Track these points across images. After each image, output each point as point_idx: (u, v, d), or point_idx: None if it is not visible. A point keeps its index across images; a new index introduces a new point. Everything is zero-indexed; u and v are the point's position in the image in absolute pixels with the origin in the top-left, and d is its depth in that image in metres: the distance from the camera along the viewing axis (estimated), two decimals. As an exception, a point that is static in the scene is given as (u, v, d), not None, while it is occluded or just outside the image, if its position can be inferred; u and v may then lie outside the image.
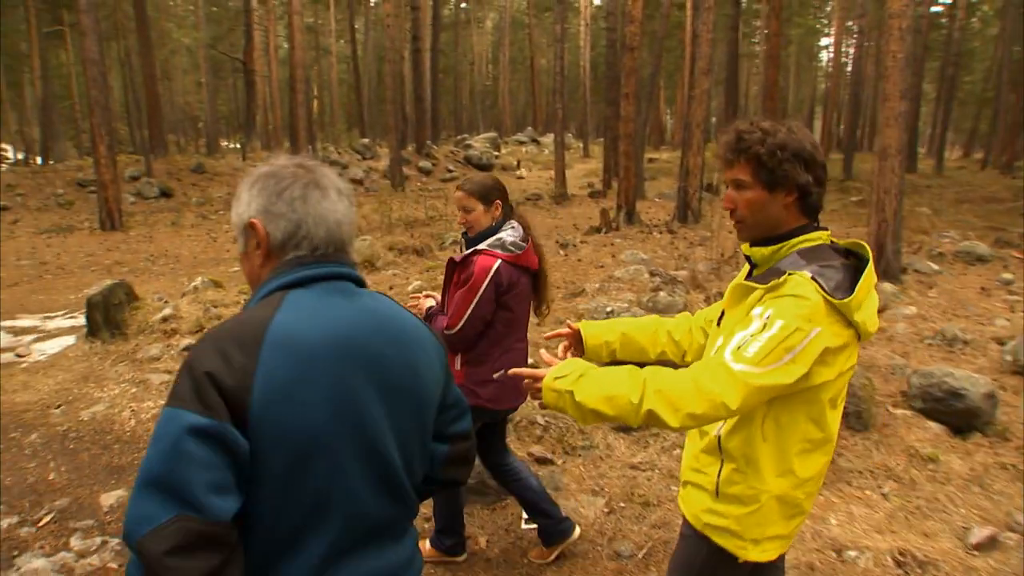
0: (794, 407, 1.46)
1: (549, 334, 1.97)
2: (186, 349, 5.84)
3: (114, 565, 3.13)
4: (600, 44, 32.43)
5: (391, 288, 7.72)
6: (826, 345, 1.38)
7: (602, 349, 1.86)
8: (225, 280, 8.47)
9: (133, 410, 4.76)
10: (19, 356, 6.36)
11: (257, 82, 30.27)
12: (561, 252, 10.37)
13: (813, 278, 1.39)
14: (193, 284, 7.71)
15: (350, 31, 32.95)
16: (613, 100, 17.96)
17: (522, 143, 35.60)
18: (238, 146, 29.24)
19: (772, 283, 1.43)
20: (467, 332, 2.58)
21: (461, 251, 2.75)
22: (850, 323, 1.41)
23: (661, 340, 1.86)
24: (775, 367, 1.35)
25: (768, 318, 1.38)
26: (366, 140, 28.63)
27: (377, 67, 37.84)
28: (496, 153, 28.46)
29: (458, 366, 2.69)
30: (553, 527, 3.00)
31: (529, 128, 40.55)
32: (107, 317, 6.31)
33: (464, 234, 2.78)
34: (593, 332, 1.87)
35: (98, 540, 3.32)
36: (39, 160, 27.79)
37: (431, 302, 2.83)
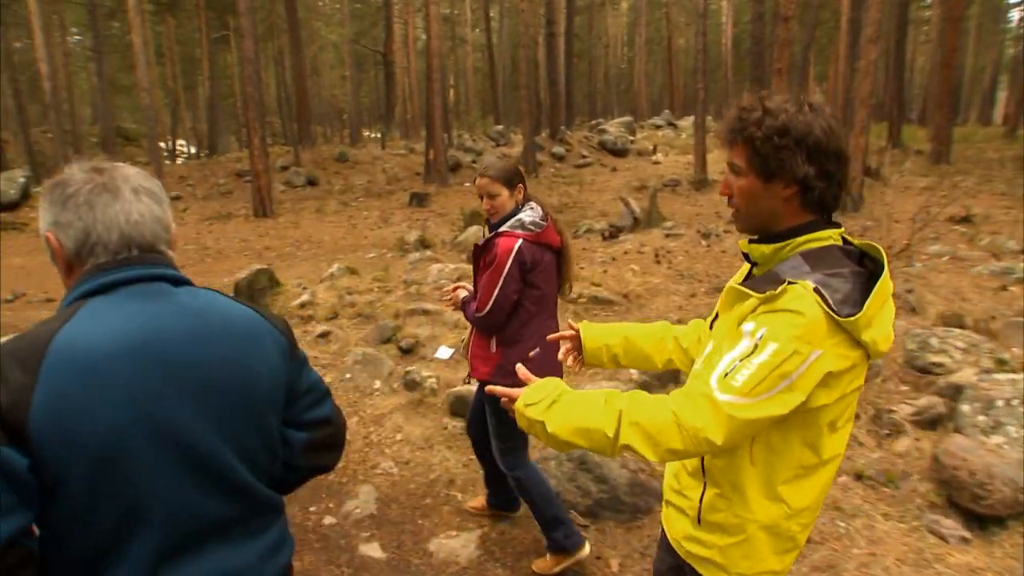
0: (788, 429, 1.30)
1: (551, 336, 1.88)
2: (321, 335, 6.00)
3: (242, 551, 3.16)
4: (743, 20, 30.54)
5: (570, 321, 7.52)
6: (828, 369, 1.20)
7: (602, 353, 1.75)
8: (361, 267, 8.70)
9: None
10: (177, 335, 6.85)
11: (396, 73, 31.50)
12: (703, 243, 9.74)
13: (816, 289, 1.20)
14: (330, 271, 7.96)
15: (485, 19, 33.32)
16: (758, 78, 16.76)
17: (658, 127, 34.38)
18: (378, 136, 30.57)
19: (768, 293, 1.25)
20: (496, 313, 2.64)
21: (484, 237, 2.78)
22: (858, 342, 1.22)
23: (668, 347, 1.72)
24: (767, 397, 1.18)
25: (760, 339, 1.21)
26: (500, 127, 28.89)
27: (511, 54, 38.05)
28: (631, 138, 27.64)
29: (493, 348, 2.74)
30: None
31: (666, 111, 39.09)
32: (251, 301, 6.61)
33: (487, 220, 2.79)
34: (592, 335, 1.76)
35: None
36: (212, 153, 30.63)
37: (464, 293, 2.86)
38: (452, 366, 5.22)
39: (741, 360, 1.21)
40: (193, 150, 36.15)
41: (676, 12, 42.15)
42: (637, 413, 1.25)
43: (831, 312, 1.19)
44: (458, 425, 4.20)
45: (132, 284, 1.11)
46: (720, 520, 1.39)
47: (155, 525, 1.06)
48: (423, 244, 10.71)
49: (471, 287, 2.89)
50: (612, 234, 10.37)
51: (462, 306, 2.83)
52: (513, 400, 1.37)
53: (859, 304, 1.21)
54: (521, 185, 2.71)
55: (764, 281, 1.31)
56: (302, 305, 6.62)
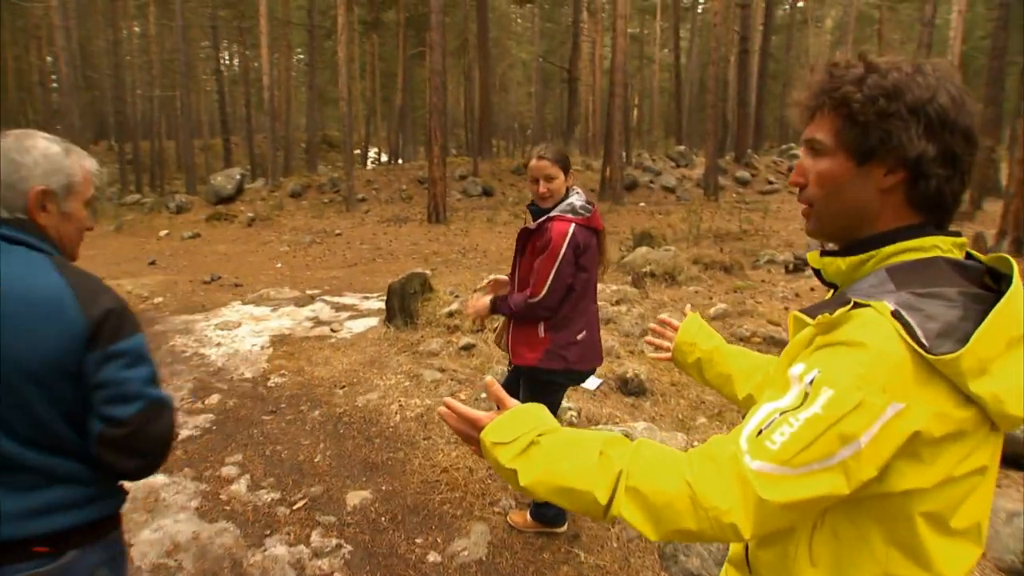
0: (861, 515, 0.88)
1: (660, 317, 1.67)
2: (464, 348, 5.76)
3: (337, 575, 2.90)
4: (975, 35, 26.77)
5: (690, 306, 6.83)
6: (917, 429, 0.80)
7: (688, 352, 1.51)
8: (517, 279, 8.46)
9: (400, 404, 4.71)
10: (333, 331, 6.99)
11: (581, 91, 31.56)
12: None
13: (896, 313, 0.82)
14: (486, 280, 7.78)
15: (674, 37, 32.41)
16: (993, 99, 14.38)
17: (857, 154, 31.23)
18: (556, 152, 30.78)
19: (824, 318, 0.87)
20: (552, 298, 2.68)
21: (527, 223, 2.85)
22: (969, 398, 0.80)
23: (756, 380, 1.38)
24: (818, 468, 0.81)
25: (811, 384, 0.84)
26: (682, 147, 27.84)
27: (699, 74, 36.71)
28: (824, 164, 25.29)
29: (541, 333, 2.77)
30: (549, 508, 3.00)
31: (868, 137, 35.40)
32: (402, 305, 6.58)
33: (531, 205, 2.84)
34: (691, 327, 1.53)
35: (334, 542, 3.15)
36: (398, 160, 32.70)
37: (485, 300, 2.89)
38: (599, 399, 4.72)
39: (782, 413, 0.85)
40: (384, 157, 38.86)
41: (890, 28, 38.16)
42: (640, 476, 0.91)
43: (917, 347, 0.80)
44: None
45: None
46: None
47: None
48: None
49: (502, 278, 3.03)
50: (796, 267, 9.28)
51: (496, 307, 2.86)
52: (475, 427, 1.05)
53: (966, 339, 0.81)
54: (570, 171, 2.77)
55: (827, 304, 0.94)
56: (450, 314, 6.45)
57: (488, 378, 1.17)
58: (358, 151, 34.62)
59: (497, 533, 3.20)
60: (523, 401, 2.47)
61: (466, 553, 3.05)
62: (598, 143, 35.23)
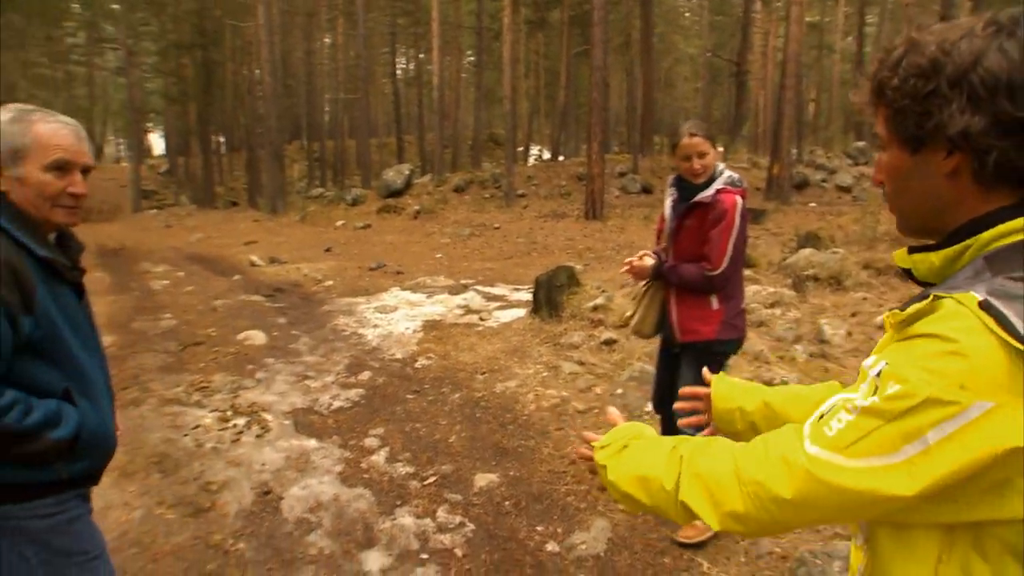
0: (990, 545, 0.77)
1: (687, 390, 1.47)
2: (606, 343, 5.68)
3: (459, 552, 2.99)
4: None
5: (853, 315, 6.22)
6: (1016, 444, 0.69)
7: (735, 418, 1.32)
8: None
9: (536, 394, 4.76)
10: (481, 320, 7.22)
11: (751, 86, 29.93)
12: None
13: (985, 303, 0.72)
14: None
15: (859, 22, 29.65)
16: None
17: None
18: (721, 148, 29.51)
19: (894, 315, 0.81)
20: (729, 268, 2.73)
21: (675, 201, 2.92)
22: None
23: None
24: (878, 465, 0.75)
25: (879, 375, 0.77)
26: (861, 143, 25.48)
27: (890, 62, 33.19)
28: None
29: (715, 305, 2.79)
30: None
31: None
32: (548, 297, 6.63)
33: (678, 182, 2.91)
34: (725, 393, 1.35)
35: (458, 520, 3.25)
36: (559, 157, 33.04)
37: (651, 260, 2.91)
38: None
39: (844, 404, 0.80)
40: (547, 154, 39.44)
41: None
42: (700, 461, 0.95)
43: (1014, 340, 0.69)
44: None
45: None
46: None
47: None
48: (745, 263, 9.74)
49: (652, 254, 2.97)
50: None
51: (663, 273, 2.87)
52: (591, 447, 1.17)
53: None
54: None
55: (910, 301, 0.83)
56: (595, 308, 6.40)
57: (610, 409, 1.28)
58: (521, 148, 35.46)
59: (618, 531, 3.12)
60: (691, 381, 2.50)
61: (584, 547, 3.01)
62: (767, 140, 33.26)
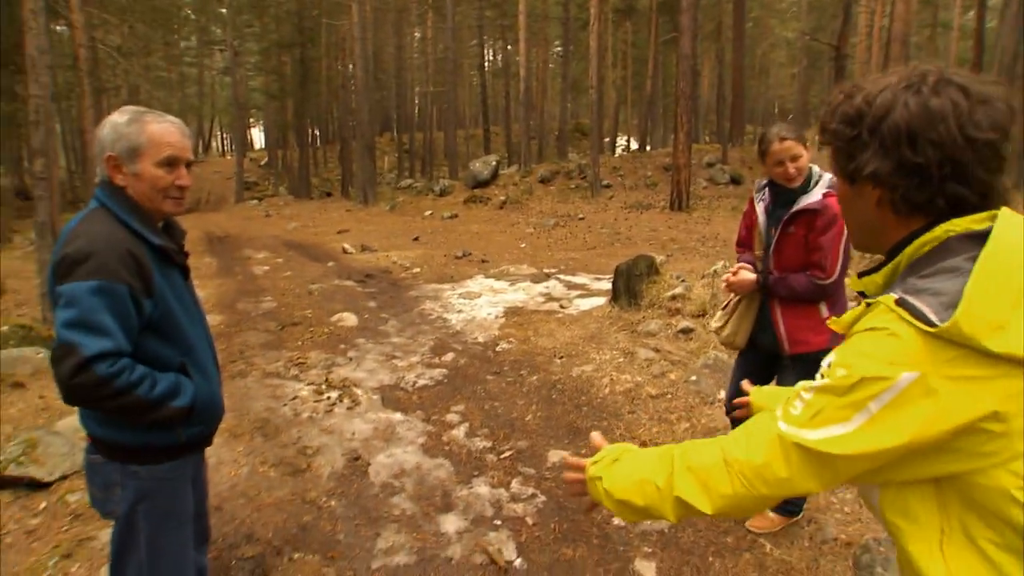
0: (978, 511, 0.89)
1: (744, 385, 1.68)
2: (683, 331, 5.71)
3: (530, 521, 3.16)
4: None
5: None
6: (944, 405, 0.84)
7: None
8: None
9: (611, 379, 4.86)
10: (561, 307, 7.36)
11: (854, 70, 28.32)
12: None
13: (900, 300, 0.90)
14: (713, 268, 7.55)
15: (980, -1, 27.42)
16: None
17: None
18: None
19: (844, 320, 1.00)
20: (842, 275, 2.63)
21: (768, 207, 2.81)
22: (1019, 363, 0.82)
23: None
24: (837, 434, 0.91)
25: (830, 364, 0.96)
26: (976, 129, 23.71)
27: (1015, 38, 30.66)
28: None
29: (825, 312, 2.68)
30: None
31: None
32: (627, 286, 6.69)
33: (771, 187, 2.79)
34: (760, 402, 1.59)
35: (530, 491, 3.43)
36: (646, 147, 32.57)
37: (750, 274, 2.82)
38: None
39: (807, 386, 1.00)
40: (634, 145, 38.93)
41: None
42: (690, 456, 1.10)
43: (925, 325, 0.86)
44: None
45: None
46: None
47: None
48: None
49: (749, 266, 2.87)
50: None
51: (770, 286, 2.77)
52: (580, 469, 1.29)
53: None
54: None
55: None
56: (673, 297, 6.41)
57: (593, 435, 1.37)
58: (607, 139, 35.17)
59: (686, 509, 3.21)
60: (786, 380, 2.71)
61: (649, 522, 3.12)
62: (871, 126, 31.37)
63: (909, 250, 0.99)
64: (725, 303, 3.02)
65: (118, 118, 1.71)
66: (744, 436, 1.06)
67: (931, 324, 0.86)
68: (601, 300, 7.41)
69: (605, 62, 31.25)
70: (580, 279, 9.15)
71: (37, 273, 8.22)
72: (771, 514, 2.97)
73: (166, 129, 1.73)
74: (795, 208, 2.67)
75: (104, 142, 1.69)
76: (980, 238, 0.91)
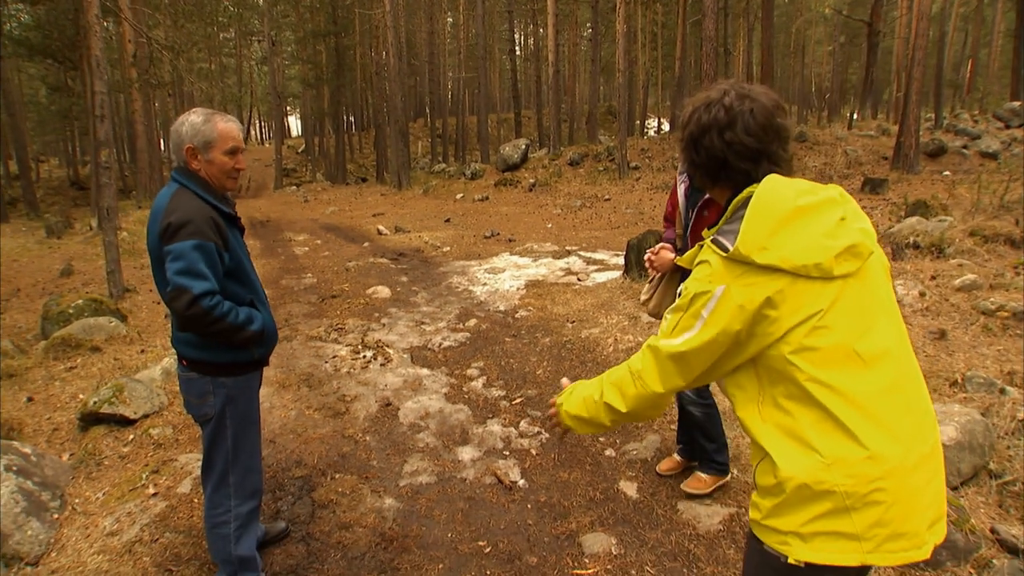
0: (774, 375, 1.33)
1: None
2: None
3: (534, 452, 3.72)
4: None
5: (933, 278, 6.27)
6: (740, 302, 1.29)
7: None
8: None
9: (615, 339, 5.37)
10: (579, 280, 7.87)
11: (896, 46, 27.79)
12: None
13: (713, 239, 1.36)
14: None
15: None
16: None
17: None
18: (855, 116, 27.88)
19: (686, 256, 1.53)
20: None
21: (687, 190, 2.93)
22: (776, 270, 1.28)
23: None
24: (688, 337, 1.35)
25: (679, 291, 1.42)
26: (1016, 104, 23.22)
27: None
28: None
29: None
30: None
31: None
32: (638, 258, 7.16)
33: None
34: None
35: (536, 430, 3.99)
36: (669, 129, 32.51)
37: (670, 254, 2.98)
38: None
39: (668, 311, 1.41)
40: (666, 127, 38.81)
41: None
42: (613, 374, 1.52)
43: (719, 251, 1.31)
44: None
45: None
46: (766, 483, 1.35)
47: None
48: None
49: (669, 246, 3.05)
50: None
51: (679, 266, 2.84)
52: (552, 405, 1.71)
53: None
54: None
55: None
56: (681, 270, 6.85)
57: (563, 380, 1.78)
58: (637, 121, 35.18)
59: (667, 444, 3.73)
60: None
61: (635, 452, 3.65)
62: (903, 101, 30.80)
63: (729, 209, 1.43)
64: (651, 277, 3.18)
65: (195, 118, 2.25)
66: (641, 351, 1.47)
67: (725, 250, 1.31)
68: (616, 274, 7.88)
69: (634, 44, 31.25)
70: (600, 255, 9.62)
71: (102, 255, 9.05)
72: (703, 475, 3.24)
73: (230, 126, 2.28)
74: (708, 194, 2.86)
75: (184, 136, 2.23)
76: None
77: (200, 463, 2.53)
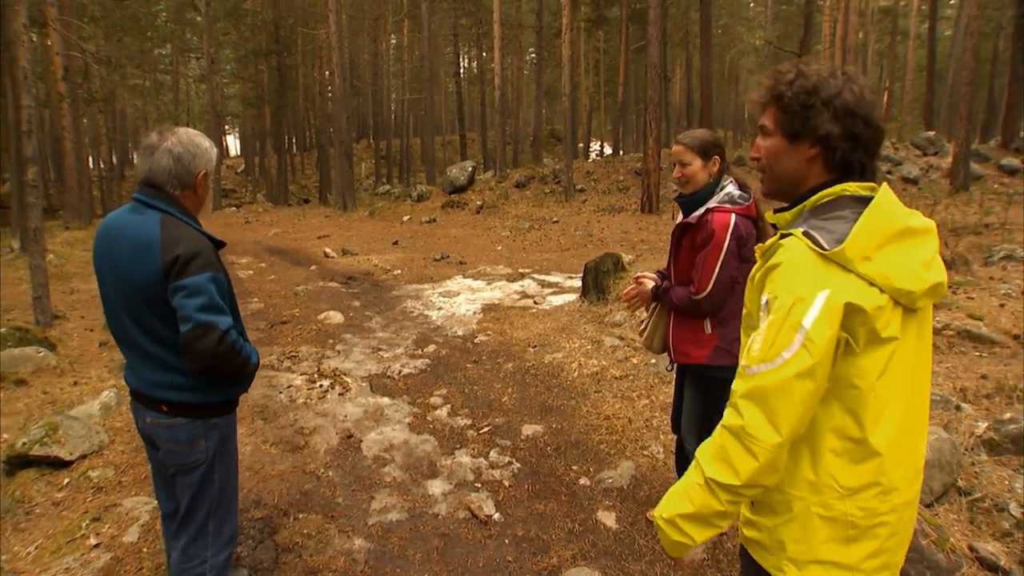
0: (826, 395, 1.23)
1: None
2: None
3: (507, 483, 3.59)
4: None
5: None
6: (848, 300, 1.16)
7: None
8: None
9: (580, 363, 5.32)
10: (535, 303, 7.81)
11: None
12: None
13: (805, 232, 1.22)
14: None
15: (931, 5, 28.58)
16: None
17: None
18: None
19: (760, 247, 1.33)
20: (719, 292, 2.56)
21: (674, 217, 2.83)
22: (872, 282, 1.17)
23: None
24: (788, 357, 1.16)
25: (767, 303, 1.23)
26: (931, 133, 24.69)
27: (965, 46, 31.84)
28: None
29: (708, 330, 2.66)
30: None
31: None
32: (595, 281, 7.16)
33: (679, 197, 2.77)
34: None
35: (507, 459, 3.86)
36: (619, 152, 33.25)
37: (650, 283, 2.89)
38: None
39: (757, 332, 1.23)
40: (608, 150, 39.67)
41: None
42: (705, 449, 1.30)
43: (820, 250, 1.18)
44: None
45: (133, 200, 2.07)
46: (769, 499, 1.32)
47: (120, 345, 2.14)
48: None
49: (653, 276, 2.94)
50: (1047, 264, 8.06)
51: (659, 295, 2.83)
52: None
53: None
54: (717, 158, 2.65)
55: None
56: (639, 292, 6.88)
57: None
58: (581, 144, 35.77)
59: (641, 471, 3.67)
60: (691, 401, 2.81)
61: (611, 481, 3.57)
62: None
63: (813, 199, 1.30)
64: (643, 319, 3.04)
65: (203, 142, 2.11)
66: (727, 410, 1.27)
67: (823, 249, 1.18)
68: (572, 296, 7.87)
69: (578, 69, 31.88)
70: (554, 278, 9.61)
71: (26, 278, 8.47)
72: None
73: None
74: (681, 221, 2.72)
75: (199, 161, 2.08)
76: (863, 201, 1.24)
77: (150, 507, 2.33)
